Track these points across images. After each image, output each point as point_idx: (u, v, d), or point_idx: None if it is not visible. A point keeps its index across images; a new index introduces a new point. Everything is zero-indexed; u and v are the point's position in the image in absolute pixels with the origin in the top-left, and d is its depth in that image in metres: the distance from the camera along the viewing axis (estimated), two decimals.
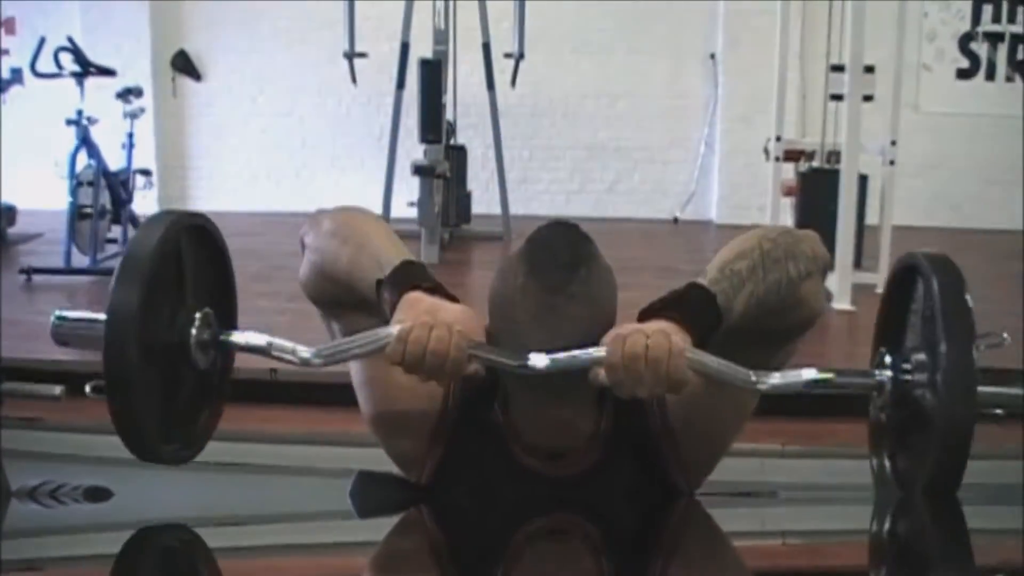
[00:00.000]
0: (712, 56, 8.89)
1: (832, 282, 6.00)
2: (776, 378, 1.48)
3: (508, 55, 7.97)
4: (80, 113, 6.55)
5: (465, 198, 8.17)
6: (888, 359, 1.53)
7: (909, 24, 6.71)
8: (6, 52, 8.25)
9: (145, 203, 7.32)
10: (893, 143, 6.35)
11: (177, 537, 1.62)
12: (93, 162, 6.58)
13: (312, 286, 1.65)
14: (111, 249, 6.89)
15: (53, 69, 6.70)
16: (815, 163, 6.77)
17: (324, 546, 1.70)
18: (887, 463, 1.59)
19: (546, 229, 1.54)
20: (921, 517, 1.58)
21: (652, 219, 8.81)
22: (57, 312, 1.56)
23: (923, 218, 8.10)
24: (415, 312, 1.44)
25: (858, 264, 6.22)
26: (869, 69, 6.05)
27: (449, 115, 7.80)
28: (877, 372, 1.53)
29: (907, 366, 1.49)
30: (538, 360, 1.43)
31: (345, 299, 1.58)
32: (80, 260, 6.48)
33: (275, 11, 8.77)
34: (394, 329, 1.43)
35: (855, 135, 5.99)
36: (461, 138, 8.37)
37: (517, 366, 1.44)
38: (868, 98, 6.07)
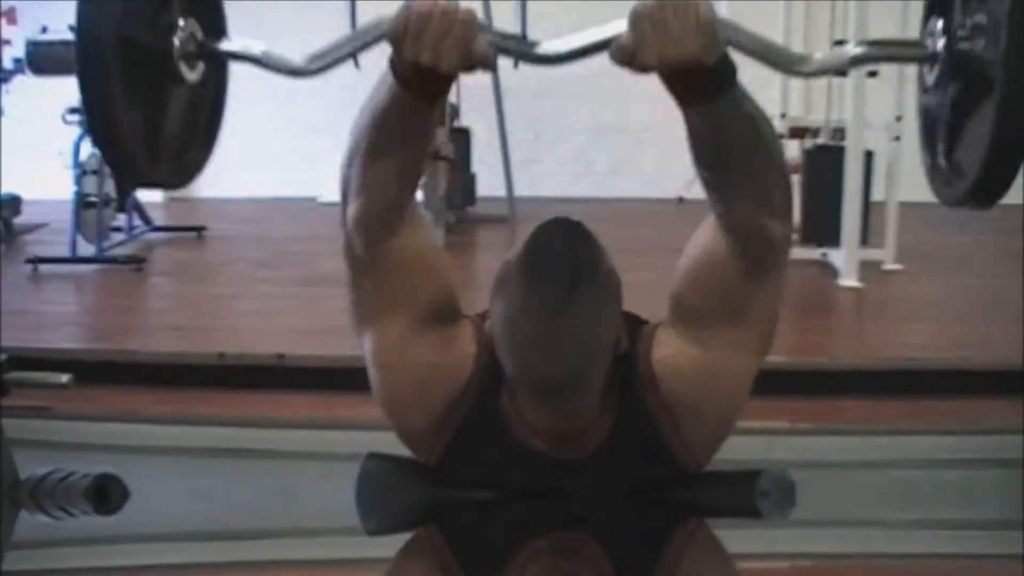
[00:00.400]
0: None
1: (839, 259, 5.99)
2: (818, 57, 1.39)
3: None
4: None
5: (469, 180, 8.16)
6: (940, 24, 1.37)
7: None
8: (8, 43, 8.23)
9: (149, 191, 7.32)
10: (899, 119, 6.32)
11: None
12: (96, 151, 6.58)
13: (362, 198, 1.54)
14: (116, 238, 6.90)
15: None
16: (820, 140, 6.75)
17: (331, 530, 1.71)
18: (940, 148, 1.45)
19: (545, 233, 1.48)
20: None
21: (657, 199, 8.79)
22: (29, 38, 1.47)
23: (930, 194, 8.04)
24: None
25: (864, 241, 6.20)
26: None
27: (453, 97, 7.78)
28: (928, 40, 1.38)
29: (963, 32, 1.33)
30: (550, 45, 1.35)
31: (395, 166, 1.50)
32: (86, 249, 6.49)
33: None
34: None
35: (860, 111, 5.97)
36: (465, 120, 8.35)
37: (529, 49, 1.36)
38: (873, 74, 6.04)
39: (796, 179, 6.94)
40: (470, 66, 1.35)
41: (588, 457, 1.60)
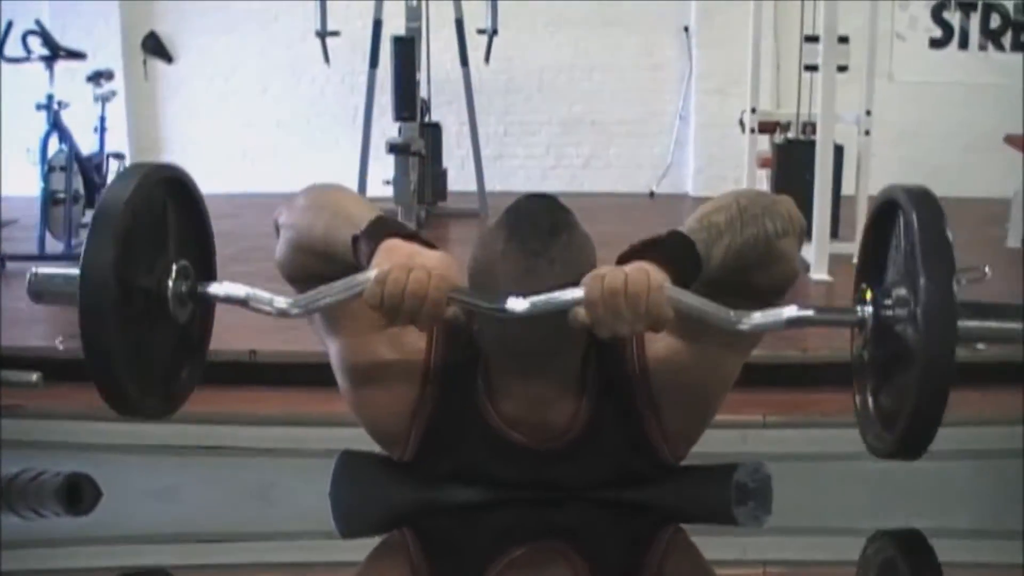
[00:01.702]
0: (686, 28, 8.87)
1: (809, 252, 6.01)
2: (757, 317, 1.46)
3: (481, 31, 7.93)
4: (50, 98, 6.47)
5: (441, 175, 8.14)
6: (869, 295, 1.51)
7: None
8: None
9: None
10: (868, 113, 6.35)
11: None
12: (65, 147, 6.52)
13: (289, 263, 1.63)
14: (85, 234, 6.84)
15: (21, 53, 6.63)
16: (790, 134, 6.77)
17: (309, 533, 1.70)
18: (870, 402, 1.56)
19: (525, 200, 1.55)
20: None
21: (628, 193, 8.79)
22: (33, 269, 1.53)
23: None
24: (394, 257, 1.43)
25: (835, 234, 6.23)
26: (843, 39, 6.04)
27: (423, 92, 7.76)
28: (859, 308, 1.51)
29: (888, 301, 1.47)
30: (517, 304, 1.42)
31: (323, 271, 1.56)
32: (55, 246, 6.43)
33: None
34: (372, 273, 1.42)
35: (830, 106, 5.98)
36: (436, 115, 8.33)
37: (496, 309, 1.43)
38: (843, 68, 6.06)
39: (766, 173, 6.97)
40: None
41: (567, 448, 1.61)
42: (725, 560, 1.73)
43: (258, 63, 8.89)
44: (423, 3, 7.58)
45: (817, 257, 5.94)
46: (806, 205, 5.97)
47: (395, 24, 7.52)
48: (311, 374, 2.34)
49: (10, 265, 6.24)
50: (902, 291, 1.44)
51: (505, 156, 9.06)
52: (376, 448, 1.69)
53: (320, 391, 2.17)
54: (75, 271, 1.42)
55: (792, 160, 6.45)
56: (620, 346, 1.60)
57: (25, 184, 7.14)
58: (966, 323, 1.39)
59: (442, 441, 1.63)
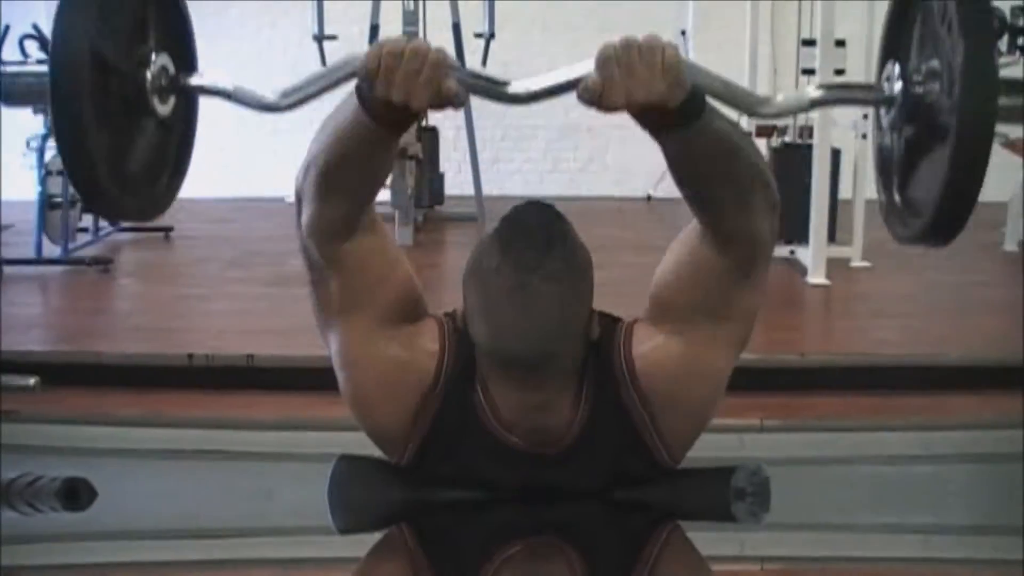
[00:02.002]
0: (683, 32, 8.87)
1: (806, 256, 6.02)
2: (779, 99, 1.43)
3: (478, 35, 7.94)
4: None
5: (438, 180, 8.14)
6: (897, 70, 1.42)
7: None
8: None
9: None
10: (865, 117, 6.35)
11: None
12: None
13: (318, 206, 1.53)
14: (82, 239, 6.84)
15: (18, 58, 6.63)
16: (787, 138, 6.78)
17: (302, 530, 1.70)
18: (896, 187, 1.49)
19: (520, 209, 1.53)
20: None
21: (625, 197, 8.81)
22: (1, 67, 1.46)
23: None
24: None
25: (832, 238, 6.24)
26: (840, 43, 6.06)
27: None
28: (885, 84, 1.43)
29: (918, 77, 1.38)
30: (520, 85, 1.37)
31: (353, 183, 1.51)
32: (51, 250, 6.43)
33: None
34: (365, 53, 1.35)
35: (827, 110, 5.99)
36: (433, 119, 8.33)
37: (498, 91, 1.38)
38: (840, 72, 6.08)
39: None
40: (440, 104, 1.37)
41: (564, 452, 1.60)
42: (723, 556, 1.73)
43: (255, 67, 8.87)
44: (420, 7, 7.59)
45: (815, 261, 5.95)
46: (803, 209, 5.98)
47: (392, 28, 7.52)
48: (308, 378, 2.35)
49: (7, 269, 6.23)
50: (935, 63, 1.35)
51: (502, 160, 9.06)
52: (374, 451, 1.69)
53: (317, 395, 2.17)
54: (45, 67, 1.30)
55: (789, 164, 6.45)
56: (607, 348, 1.60)
57: (21, 188, 7.13)
58: (1004, 101, 1.32)
59: (441, 445, 1.62)
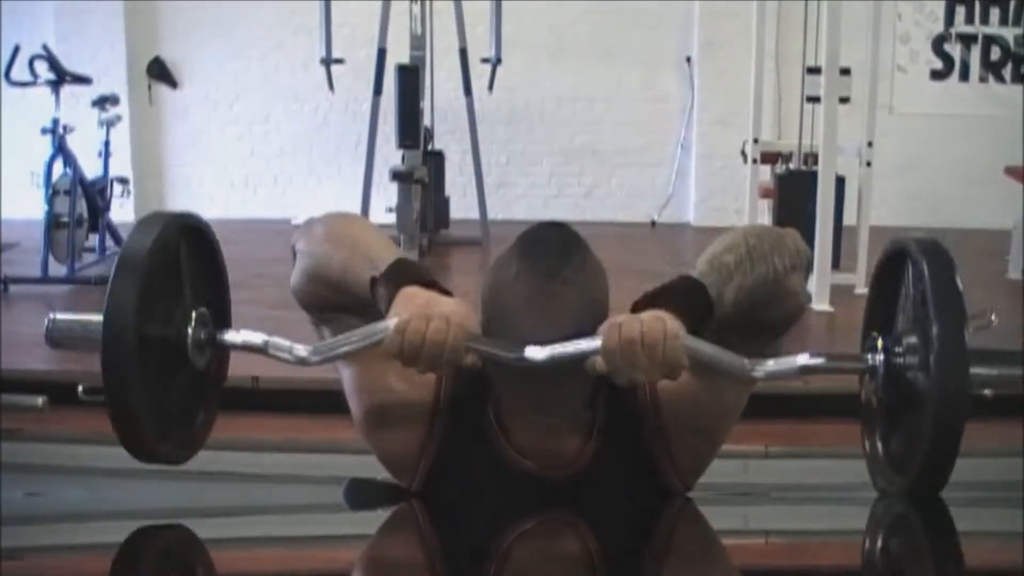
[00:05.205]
0: (688, 59, 8.91)
1: (811, 283, 6.02)
2: (770, 364, 1.51)
3: (485, 60, 7.97)
4: (56, 121, 6.51)
5: (443, 204, 8.16)
6: (880, 342, 1.53)
7: (883, 26, 6.74)
8: None
9: (122, 212, 7.29)
10: (870, 144, 6.37)
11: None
12: (69, 171, 6.54)
13: (304, 291, 1.64)
14: (88, 258, 6.85)
15: (28, 78, 6.66)
16: (792, 165, 6.79)
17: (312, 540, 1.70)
18: (879, 447, 1.59)
19: (538, 226, 1.57)
20: (909, 518, 1.59)
21: (630, 223, 8.81)
22: (51, 315, 1.53)
23: (900, 218, 8.13)
24: (412, 305, 1.45)
25: (836, 265, 6.24)
26: (845, 71, 6.08)
27: (427, 121, 7.79)
28: (869, 356, 1.54)
29: (899, 349, 1.50)
30: (535, 352, 1.43)
31: (338, 302, 1.59)
32: (58, 269, 6.44)
33: (251, 18, 8.76)
34: (391, 322, 1.44)
35: (832, 137, 6.01)
36: (439, 143, 8.36)
37: (514, 358, 1.44)
38: (844, 100, 6.10)
39: (767, 204, 6.99)
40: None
41: (577, 477, 1.61)
42: (728, 530, 1.74)
43: (262, 90, 8.92)
44: (427, 32, 7.63)
45: (819, 288, 5.95)
46: (808, 236, 5.98)
47: (399, 52, 7.56)
48: (314, 401, 2.35)
49: (13, 288, 6.25)
50: (913, 339, 1.48)
51: (507, 185, 9.08)
52: (380, 473, 1.69)
53: (323, 418, 2.18)
54: (94, 317, 1.44)
55: (794, 191, 6.47)
56: None
57: (27, 207, 7.16)
58: (976, 370, 1.43)
59: (451, 471, 1.63)
